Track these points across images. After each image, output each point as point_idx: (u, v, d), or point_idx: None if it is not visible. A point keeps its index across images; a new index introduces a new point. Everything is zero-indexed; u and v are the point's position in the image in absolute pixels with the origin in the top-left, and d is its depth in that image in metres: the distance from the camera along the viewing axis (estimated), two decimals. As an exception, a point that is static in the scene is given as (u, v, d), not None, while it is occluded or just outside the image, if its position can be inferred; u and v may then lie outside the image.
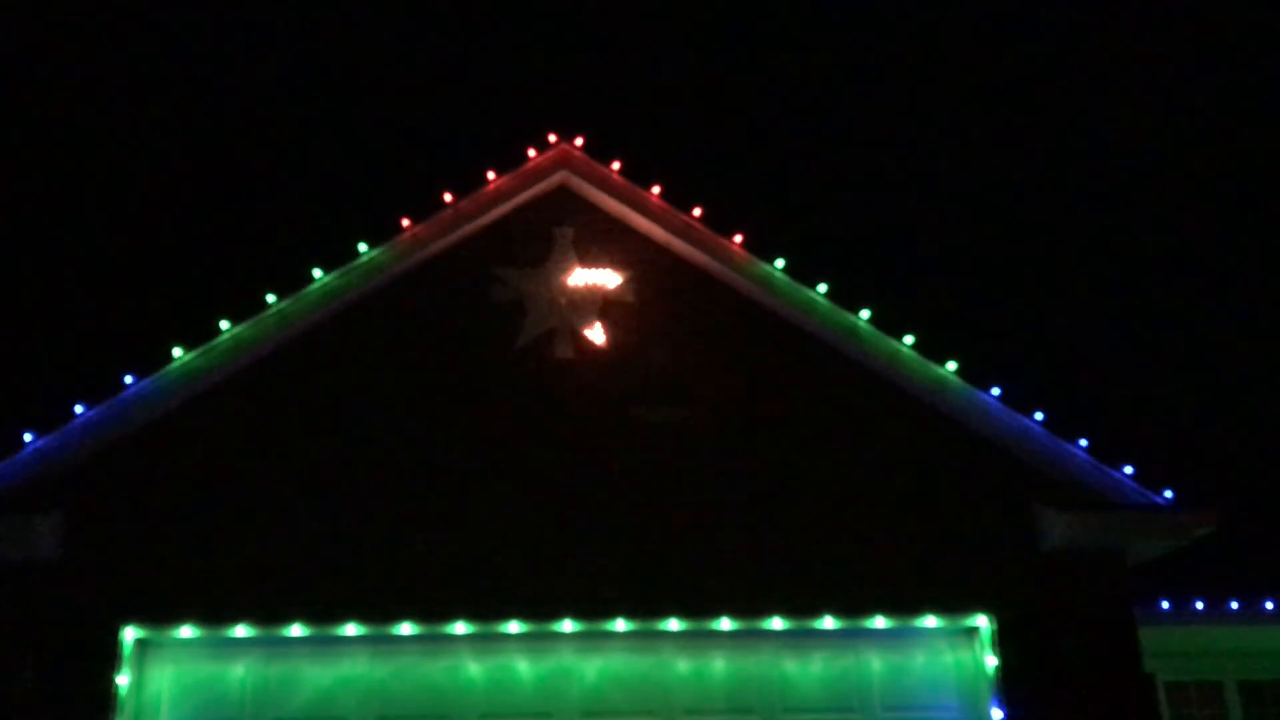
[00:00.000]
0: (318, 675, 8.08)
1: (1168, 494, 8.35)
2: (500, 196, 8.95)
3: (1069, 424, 8.53)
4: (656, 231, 8.98)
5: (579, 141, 9.09)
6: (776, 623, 8.11)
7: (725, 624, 8.09)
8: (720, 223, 8.95)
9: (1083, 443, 8.48)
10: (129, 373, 8.14)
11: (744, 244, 8.89)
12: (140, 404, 8.13)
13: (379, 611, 7.90)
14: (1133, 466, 8.43)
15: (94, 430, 8.03)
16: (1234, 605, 9.17)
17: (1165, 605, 9.05)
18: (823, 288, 8.80)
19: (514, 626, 7.99)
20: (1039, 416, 8.52)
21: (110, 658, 7.67)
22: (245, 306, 8.41)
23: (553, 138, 9.09)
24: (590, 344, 8.71)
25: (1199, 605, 9.13)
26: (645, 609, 8.03)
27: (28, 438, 7.93)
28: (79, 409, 8.03)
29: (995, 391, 8.58)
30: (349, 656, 8.11)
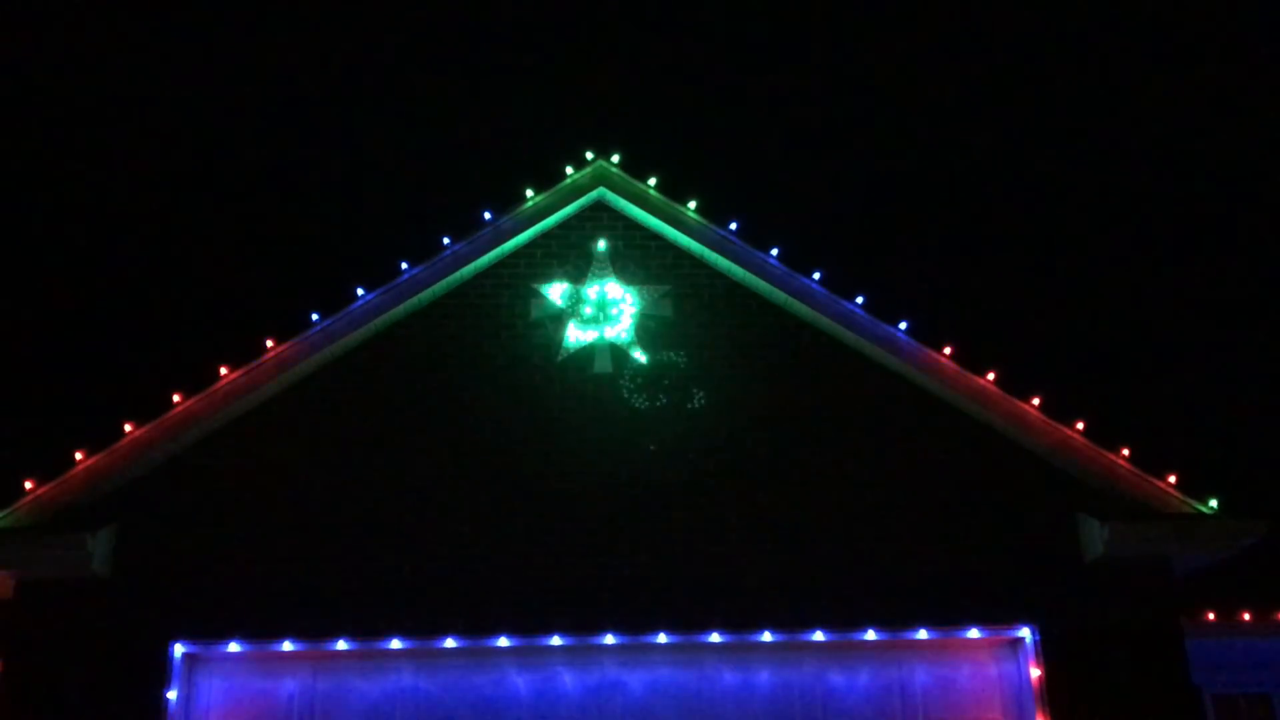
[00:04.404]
0: (365, 689, 8.16)
1: (1213, 503, 8.28)
2: (539, 214, 9.03)
3: (1111, 433, 8.48)
4: (694, 246, 9.03)
5: (615, 158, 9.16)
6: (819, 635, 8.11)
7: (767, 636, 8.10)
8: (757, 236, 8.98)
9: (1125, 451, 8.42)
10: (177, 391, 8.26)
11: (781, 257, 8.92)
12: (188, 422, 8.25)
13: (423, 625, 7.97)
14: (1176, 475, 8.37)
15: (143, 449, 8.16)
16: (1282, 616, 9.07)
17: (1212, 616, 8.97)
18: (860, 299, 8.81)
19: (557, 639, 8.04)
20: (1080, 426, 8.48)
21: (160, 672, 7.78)
22: (290, 325, 8.52)
23: (590, 155, 9.17)
24: (629, 358, 8.76)
25: (1246, 616, 9.03)
26: (687, 622, 8.06)
27: (79, 456, 8.07)
28: (128, 427, 8.16)
29: (1035, 401, 8.54)
30: (395, 670, 8.19)
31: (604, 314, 8.86)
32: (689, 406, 8.63)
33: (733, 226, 9.00)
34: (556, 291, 8.92)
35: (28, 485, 7.94)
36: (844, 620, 8.10)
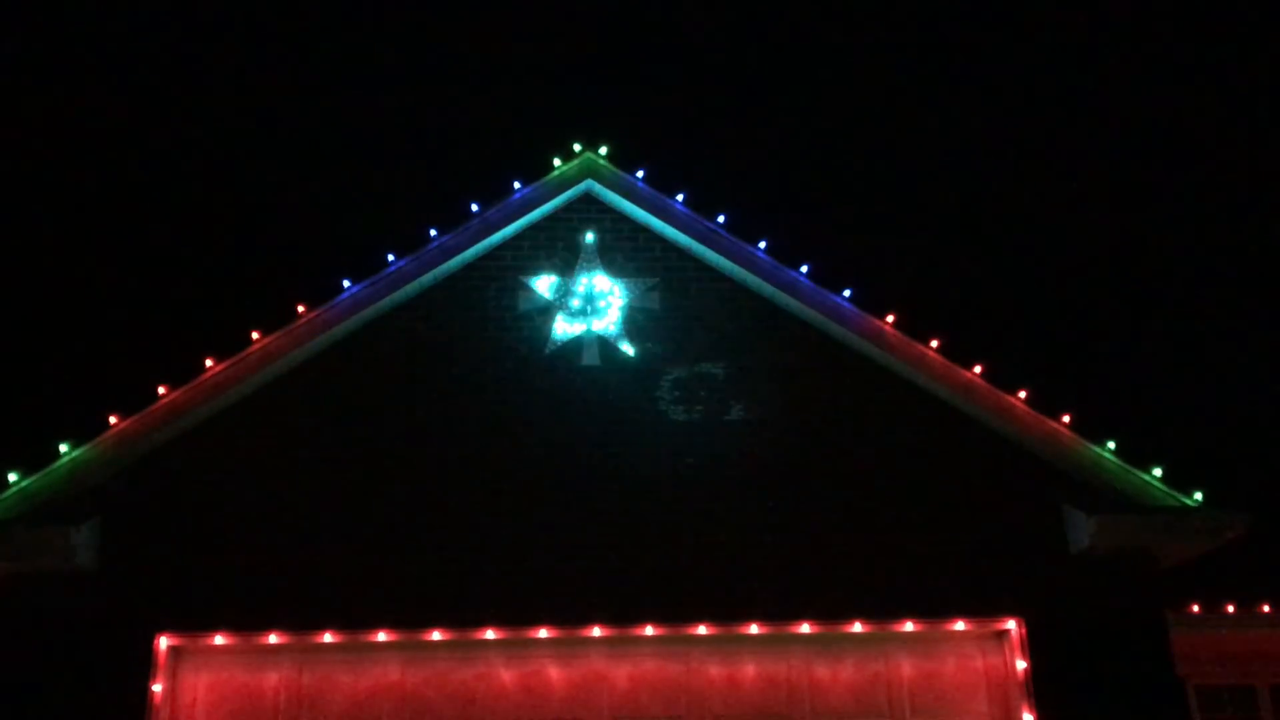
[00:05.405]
0: (351, 682, 8.14)
1: (1197, 495, 8.32)
2: (526, 205, 9.01)
3: (1097, 426, 8.50)
4: (682, 238, 9.02)
5: (604, 150, 9.14)
6: (806, 627, 8.12)
7: (755, 629, 8.11)
8: (745, 229, 8.98)
9: (1111, 444, 8.45)
10: (162, 383, 8.23)
11: (769, 250, 8.91)
12: (173, 414, 8.21)
13: (410, 618, 7.96)
14: (1162, 468, 8.40)
15: (128, 441, 8.12)
16: (1266, 608, 9.11)
17: (1196, 609, 9.00)
18: (847, 292, 8.81)
19: (544, 632, 8.03)
20: (1066, 419, 8.50)
21: (145, 665, 7.75)
22: (276, 317, 8.48)
23: (578, 147, 9.14)
24: (617, 351, 8.75)
25: (1230, 608, 9.07)
26: (675, 614, 8.06)
27: (63, 448, 8.03)
28: (113, 420, 8.12)
29: (1022, 394, 8.56)
30: (381, 663, 8.18)
31: (592, 306, 8.84)
32: (676, 399, 8.62)
33: (721, 219, 8.99)
34: (544, 284, 8.90)
35: (11, 478, 7.90)
36: (830, 612, 8.11)
